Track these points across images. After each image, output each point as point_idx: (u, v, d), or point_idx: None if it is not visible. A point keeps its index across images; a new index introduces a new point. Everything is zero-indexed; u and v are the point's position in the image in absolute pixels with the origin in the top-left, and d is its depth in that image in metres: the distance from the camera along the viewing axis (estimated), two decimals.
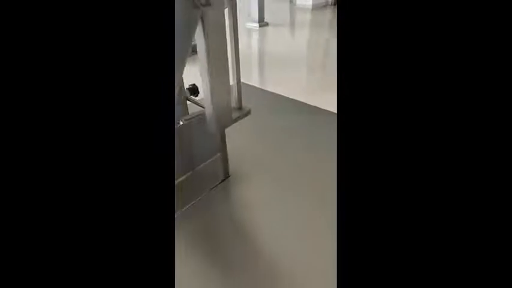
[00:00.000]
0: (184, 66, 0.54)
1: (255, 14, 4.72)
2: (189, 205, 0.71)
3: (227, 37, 0.59)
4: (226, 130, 0.74)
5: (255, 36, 4.37)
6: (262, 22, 4.74)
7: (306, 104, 1.13)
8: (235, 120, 0.68)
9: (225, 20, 0.56)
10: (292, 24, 5.32)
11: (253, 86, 1.31)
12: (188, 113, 0.86)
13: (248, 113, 0.71)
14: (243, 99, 0.71)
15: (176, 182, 0.78)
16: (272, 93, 1.24)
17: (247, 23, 4.73)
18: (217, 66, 0.57)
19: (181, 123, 0.75)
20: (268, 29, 4.64)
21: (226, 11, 0.58)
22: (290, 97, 1.18)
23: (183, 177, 0.79)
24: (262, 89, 1.33)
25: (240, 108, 0.70)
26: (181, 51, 0.49)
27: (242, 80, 0.70)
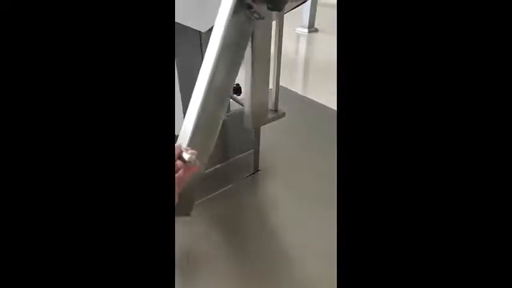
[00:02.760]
0: (238, 71, 0.59)
1: (306, 20, 4.70)
2: (218, 191, 0.80)
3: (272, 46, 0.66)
4: (263, 130, 0.82)
5: (302, 42, 4.36)
6: (312, 28, 4.72)
7: None
8: (270, 121, 0.76)
9: (271, 31, 0.63)
10: None
11: (293, 91, 1.38)
12: (229, 110, 0.95)
13: (282, 115, 0.78)
14: (282, 102, 0.78)
15: (211, 169, 0.88)
16: (311, 100, 1.29)
17: (297, 28, 4.73)
18: (259, 71, 0.65)
19: None
20: (317, 35, 4.62)
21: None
22: (324, 103, 1.23)
23: (218, 166, 0.88)
24: (301, 95, 1.40)
25: (275, 110, 0.77)
26: (236, 59, 0.54)
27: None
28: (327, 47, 4.13)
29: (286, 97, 1.20)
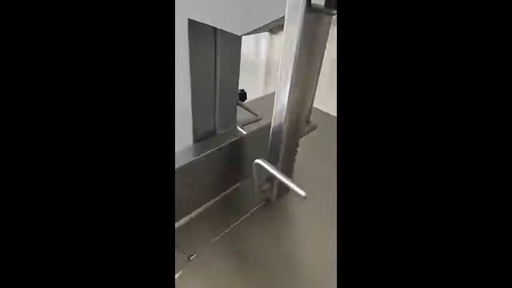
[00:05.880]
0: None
1: None
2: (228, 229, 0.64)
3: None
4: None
5: (263, 43, 4.35)
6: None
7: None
8: (305, 134, 0.63)
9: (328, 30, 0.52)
10: None
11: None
12: (236, 119, 0.80)
13: (314, 128, 0.67)
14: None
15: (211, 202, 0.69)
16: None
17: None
18: (306, 76, 0.53)
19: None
20: (278, 36, 4.63)
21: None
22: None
23: (218, 198, 0.70)
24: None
25: (307, 122, 0.65)
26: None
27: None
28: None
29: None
